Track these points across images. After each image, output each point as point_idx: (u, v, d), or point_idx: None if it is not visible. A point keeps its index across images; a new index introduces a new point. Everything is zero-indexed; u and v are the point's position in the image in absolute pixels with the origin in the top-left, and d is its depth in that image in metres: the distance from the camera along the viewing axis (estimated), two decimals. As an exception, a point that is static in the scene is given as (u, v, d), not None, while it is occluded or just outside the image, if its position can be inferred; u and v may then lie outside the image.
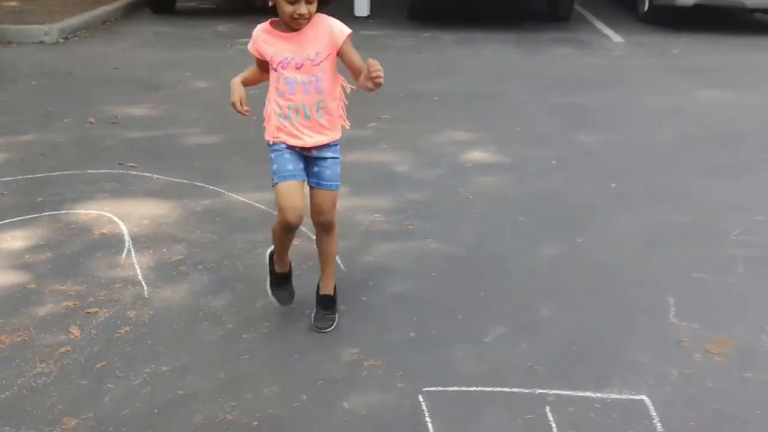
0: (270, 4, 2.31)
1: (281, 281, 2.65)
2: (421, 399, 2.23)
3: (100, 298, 2.76)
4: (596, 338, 2.58)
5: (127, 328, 2.58)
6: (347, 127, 2.50)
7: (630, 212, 3.63)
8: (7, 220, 3.40)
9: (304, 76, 2.32)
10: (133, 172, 4.00)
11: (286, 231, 2.47)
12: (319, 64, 2.32)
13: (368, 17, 8.96)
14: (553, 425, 2.12)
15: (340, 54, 2.36)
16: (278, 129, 2.38)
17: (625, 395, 2.26)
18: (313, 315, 2.60)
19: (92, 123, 4.86)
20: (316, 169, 2.44)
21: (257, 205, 3.60)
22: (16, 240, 3.22)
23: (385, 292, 2.87)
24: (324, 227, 2.53)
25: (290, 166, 2.39)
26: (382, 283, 2.92)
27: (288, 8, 2.23)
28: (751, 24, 9.16)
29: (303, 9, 2.24)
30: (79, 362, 2.39)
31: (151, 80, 6.04)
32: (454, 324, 2.65)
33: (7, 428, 2.07)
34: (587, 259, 3.16)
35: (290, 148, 2.39)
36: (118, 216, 3.44)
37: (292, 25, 2.30)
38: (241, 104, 2.42)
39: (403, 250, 3.20)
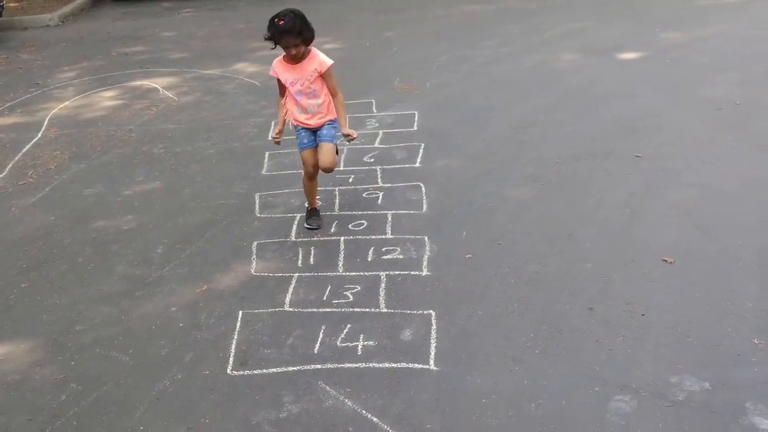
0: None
1: (312, 212, 4.27)
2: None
3: (159, 102, 6.73)
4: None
5: (174, 107, 6.55)
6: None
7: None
8: (103, 87, 7.32)
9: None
10: (150, 69, 7.92)
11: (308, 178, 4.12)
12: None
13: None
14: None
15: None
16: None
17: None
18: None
19: (114, 55, 8.72)
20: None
21: (214, 72, 7.60)
22: (109, 93, 7.14)
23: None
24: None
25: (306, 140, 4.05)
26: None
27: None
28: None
29: (293, 51, 3.77)
30: (165, 113, 6.35)
31: (135, 35, 9.86)
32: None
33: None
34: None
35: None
36: (153, 83, 7.39)
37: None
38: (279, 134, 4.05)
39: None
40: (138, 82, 7.45)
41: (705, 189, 4.41)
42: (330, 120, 4.03)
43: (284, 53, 3.86)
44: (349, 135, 4.03)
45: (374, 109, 6.21)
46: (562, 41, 8.00)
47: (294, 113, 4.03)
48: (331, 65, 3.91)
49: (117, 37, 9.82)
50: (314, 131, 4.05)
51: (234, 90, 7.01)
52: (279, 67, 3.96)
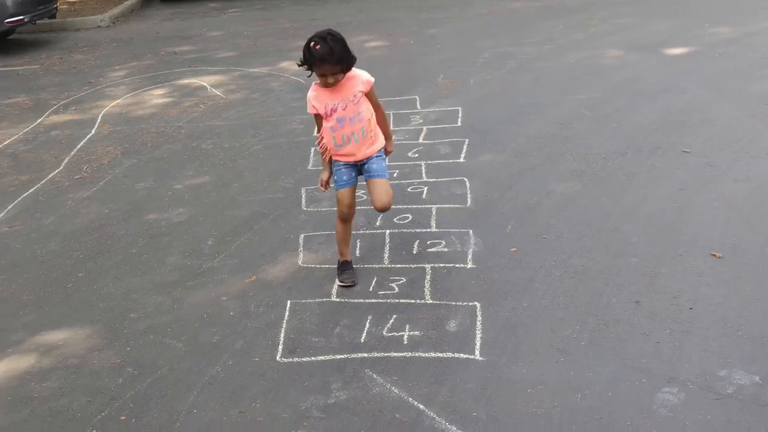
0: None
1: (345, 266, 3.67)
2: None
3: (207, 99, 6.87)
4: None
5: (222, 104, 6.69)
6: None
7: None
8: (153, 86, 7.51)
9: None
10: (198, 68, 8.09)
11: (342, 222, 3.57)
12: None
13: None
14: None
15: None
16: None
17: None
18: None
19: (163, 55, 8.93)
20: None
21: (260, 70, 7.73)
22: (159, 91, 7.32)
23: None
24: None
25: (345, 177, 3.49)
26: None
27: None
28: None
29: (331, 80, 3.24)
30: (213, 110, 6.50)
31: (183, 35, 10.08)
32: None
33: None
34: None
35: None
36: (201, 81, 7.55)
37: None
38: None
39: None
40: (186, 81, 7.63)
41: (754, 183, 4.34)
42: (378, 151, 3.51)
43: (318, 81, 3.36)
44: (390, 152, 3.67)
45: (418, 105, 6.25)
46: (607, 37, 7.94)
47: (334, 148, 3.43)
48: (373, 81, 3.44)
49: (165, 37, 10.05)
50: (357, 166, 3.51)
51: (280, 87, 7.13)
52: (316, 97, 3.39)
